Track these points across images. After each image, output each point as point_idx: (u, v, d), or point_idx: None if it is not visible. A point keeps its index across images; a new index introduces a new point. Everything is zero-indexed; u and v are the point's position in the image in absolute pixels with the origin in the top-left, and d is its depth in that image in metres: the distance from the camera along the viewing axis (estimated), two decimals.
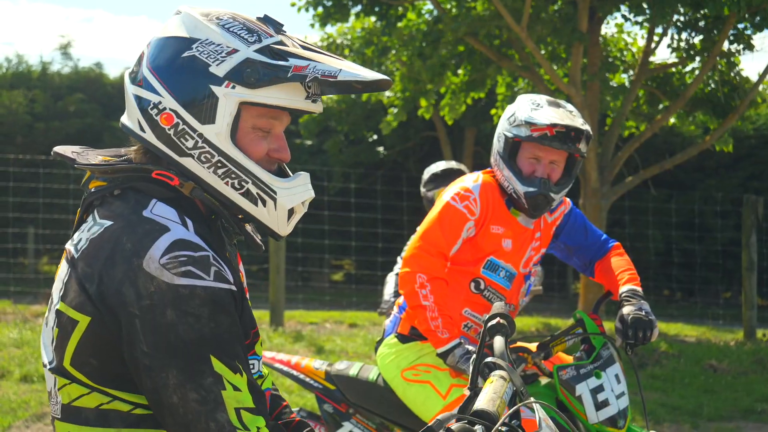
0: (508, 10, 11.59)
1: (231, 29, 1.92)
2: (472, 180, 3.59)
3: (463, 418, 2.07)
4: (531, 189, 3.49)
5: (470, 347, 3.30)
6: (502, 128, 3.58)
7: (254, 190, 1.95)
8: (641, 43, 14.18)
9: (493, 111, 14.28)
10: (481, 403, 2.14)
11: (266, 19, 1.99)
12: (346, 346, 9.21)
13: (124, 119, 1.99)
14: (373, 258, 14.45)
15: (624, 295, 3.49)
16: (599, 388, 3.41)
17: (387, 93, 14.19)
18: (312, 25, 13.54)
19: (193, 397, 1.75)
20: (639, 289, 3.52)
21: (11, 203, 13.26)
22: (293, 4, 13.55)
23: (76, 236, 1.93)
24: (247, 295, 2.03)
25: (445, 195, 3.55)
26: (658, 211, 15.81)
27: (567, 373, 3.41)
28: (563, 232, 3.76)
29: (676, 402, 7.97)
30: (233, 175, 1.93)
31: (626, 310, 3.40)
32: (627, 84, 14.13)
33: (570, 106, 3.56)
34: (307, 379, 3.83)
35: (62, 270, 1.92)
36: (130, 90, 1.95)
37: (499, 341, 2.43)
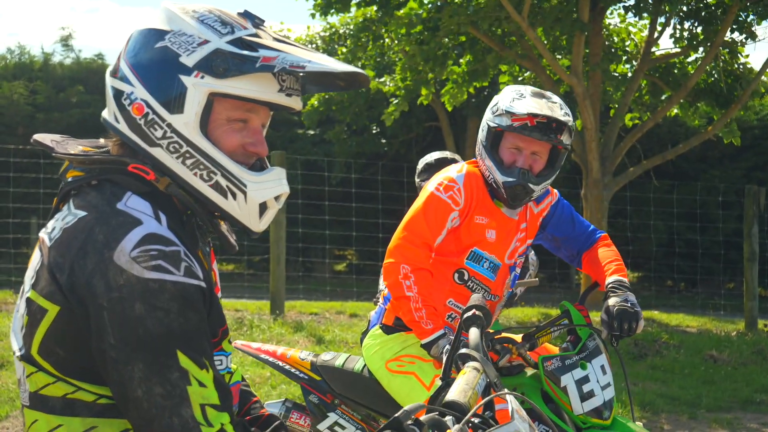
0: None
1: (205, 21, 1.92)
2: (456, 170, 3.58)
3: (433, 409, 2.06)
4: (509, 179, 3.48)
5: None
6: (486, 118, 3.57)
7: (223, 182, 1.94)
8: (644, 33, 14.11)
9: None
10: (452, 394, 2.13)
11: (246, 14, 1.98)
12: (346, 336, 9.21)
13: (104, 113, 2.00)
14: (374, 248, 14.44)
15: (610, 286, 3.48)
16: (584, 379, 3.39)
17: (388, 83, 14.17)
18: (312, 15, 13.52)
19: (158, 391, 1.74)
20: (625, 280, 3.51)
21: (12, 194, 13.28)
22: None
23: (50, 224, 1.92)
24: (219, 294, 2.03)
25: (430, 185, 3.54)
26: (660, 201, 15.76)
27: (552, 364, 3.40)
28: (550, 223, 3.74)
29: (675, 392, 7.96)
30: (201, 166, 1.92)
31: (611, 301, 3.39)
32: (629, 74, 14.07)
33: (555, 98, 3.53)
34: (293, 370, 3.82)
35: (35, 258, 1.92)
36: (108, 82, 1.96)
37: (474, 333, 2.42)
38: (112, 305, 1.74)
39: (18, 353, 1.90)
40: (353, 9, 13.92)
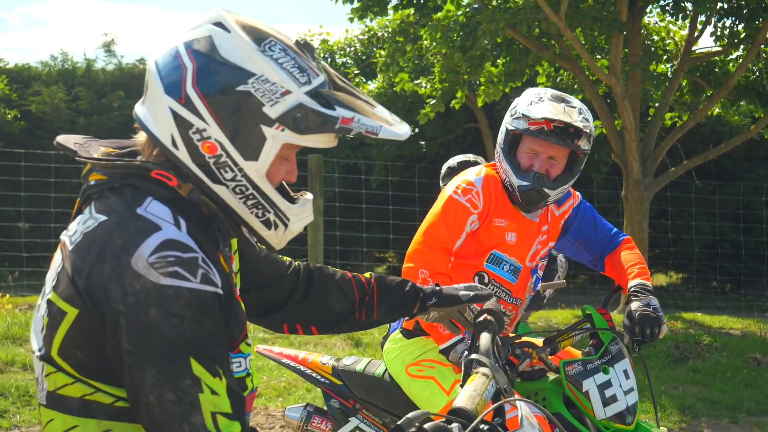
0: (546, 0, 11.48)
1: (284, 65, 1.90)
2: (474, 173, 3.56)
3: (437, 416, 2.05)
4: (524, 183, 3.45)
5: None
6: (505, 120, 3.54)
7: (273, 218, 2.01)
8: (684, 32, 13.94)
9: None
10: (460, 401, 2.12)
11: (304, 46, 1.98)
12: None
13: (147, 120, 1.94)
14: None
15: (632, 290, 3.44)
16: (607, 384, 3.35)
17: (424, 84, 14.13)
18: (351, 20, 13.53)
19: (169, 397, 1.75)
20: (648, 283, 3.47)
21: (54, 199, 13.46)
22: None
23: (71, 227, 1.94)
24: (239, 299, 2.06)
25: (448, 189, 3.52)
26: (702, 201, 15.56)
27: (574, 369, 3.36)
28: (572, 226, 3.71)
29: (717, 396, 7.84)
30: (260, 206, 1.98)
31: (634, 305, 3.35)
32: (669, 73, 13.91)
33: (576, 103, 3.49)
34: (314, 375, 3.83)
35: (56, 260, 1.94)
36: (165, 100, 1.90)
37: (485, 338, 2.40)
38: (128, 310, 1.76)
39: (38, 353, 1.92)
40: (390, 12, 13.90)
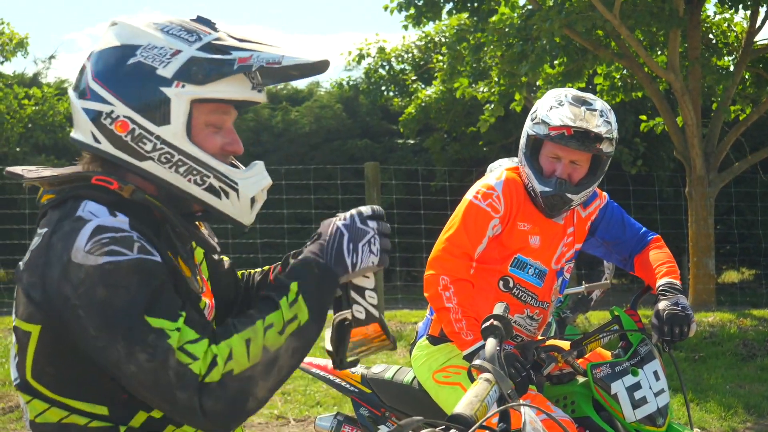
0: None
1: (170, 32, 1.96)
2: (495, 177, 3.54)
3: (435, 423, 2.05)
4: (547, 189, 3.42)
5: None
6: (526, 125, 3.52)
7: (216, 184, 1.99)
8: (744, 24, 13.66)
9: None
10: (459, 407, 2.10)
11: (200, 19, 2.03)
12: None
13: (75, 134, 2.02)
14: None
15: (661, 288, 3.39)
16: (636, 386, 3.31)
17: (482, 89, 14.10)
18: (405, 27, 13.57)
19: (143, 357, 1.78)
20: (677, 282, 3.41)
21: None
22: (386, 7, 13.62)
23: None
24: (207, 301, 2.09)
25: (468, 194, 3.51)
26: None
27: (601, 371, 3.33)
28: (600, 227, 3.67)
29: None
30: (194, 172, 1.97)
31: (662, 305, 3.30)
32: (731, 67, 13.64)
33: (597, 104, 3.42)
34: (344, 384, 3.84)
35: (16, 288, 1.98)
36: (78, 104, 1.98)
37: (490, 343, 2.39)
38: (81, 300, 1.79)
39: (15, 383, 1.97)
40: (445, 17, 13.90)
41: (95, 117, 1.95)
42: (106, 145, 1.95)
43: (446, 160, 16.93)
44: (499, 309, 2.54)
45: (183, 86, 1.93)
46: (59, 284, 1.82)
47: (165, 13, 2.08)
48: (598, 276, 5.73)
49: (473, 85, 14.56)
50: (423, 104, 16.31)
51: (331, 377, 3.87)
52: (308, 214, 15.26)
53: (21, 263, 1.96)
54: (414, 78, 18.17)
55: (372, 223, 2.03)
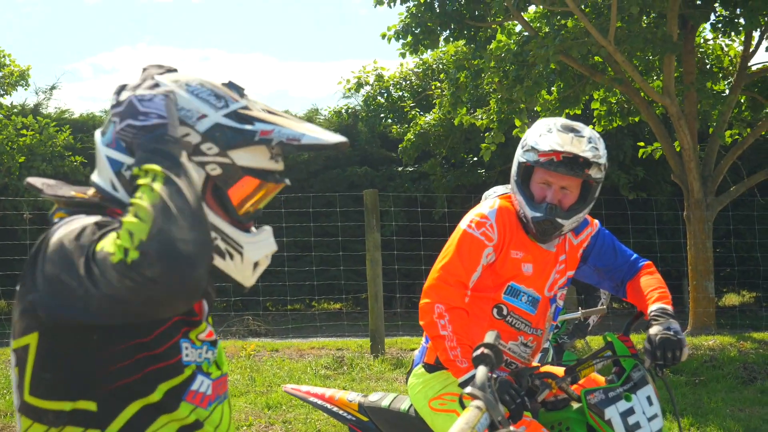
0: (594, 25, 11.47)
1: (200, 95, 2.03)
2: (488, 206, 3.60)
3: None
4: (537, 214, 3.47)
5: (490, 375, 3.29)
6: (517, 153, 3.58)
7: (222, 246, 2.06)
8: (739, 48, 13.76)
9: (590, 126, 14.06)
10: None
11: (231, 85, 2.09)
12: None
13: (96, 178, 2.06)
14: None
15: (653, 314, 3.43)
16: (629, 411, 3.34)
17: (480, 116, 14.18)
18: (402, 54, 13.67)
19: (97, 274, 1.74)
20: (668, 307, 3.46)
21: None
22: (383, 35, 13.73)
23: None
24: (213, 338, 2.12)
25: (462, 223, 3.57)
26: (767, 219, 15.23)
27: (595, 397, 3.37)
28: (591, 254, 3.72)
29: None
30: None
31: (653, 330, 3.34)
32: (726, 91, 13.74)
33: (585, 132, 3.50)
34: (341, 412, 3.87)
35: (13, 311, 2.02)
36: (103, 151, 2.03)
37: (481, 371, 2.44)
38: (62, 266, 1.79)
39: (17, 408, 2.00)
40: (442, 44, 14.00)
41: (117, 167, 2.00)
42: (122, 195, 2.00)
43: (446, 186, 16.99)
44: (490, 337, 2.59)
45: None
46: (44, 269, 1.83)
47: (199, 73, 2.13)
48: (595, 301, 5.77)
49: (472, 112, 14.64)
50: (422, 131, 16.39)
51: (329, 406, 3.90)
52: (308, 242, 15.30)
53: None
54: (412, 105, 18.29)
55: (124, 94, 1.98)
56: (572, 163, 3.41)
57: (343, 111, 18.53)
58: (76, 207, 2.04)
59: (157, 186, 1.80)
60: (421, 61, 19.22)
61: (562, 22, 12.52)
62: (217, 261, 2.06)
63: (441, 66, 17.94)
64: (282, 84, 58.18)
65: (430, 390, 3.58)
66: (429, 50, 14.16)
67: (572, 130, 3.49)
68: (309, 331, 14.02)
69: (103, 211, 2.01)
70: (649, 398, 3.39)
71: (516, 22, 13.18)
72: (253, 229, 2.13)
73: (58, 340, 1.91)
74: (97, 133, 2.07)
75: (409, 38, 13.34)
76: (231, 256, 2.06)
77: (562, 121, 3.54)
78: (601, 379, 3.59)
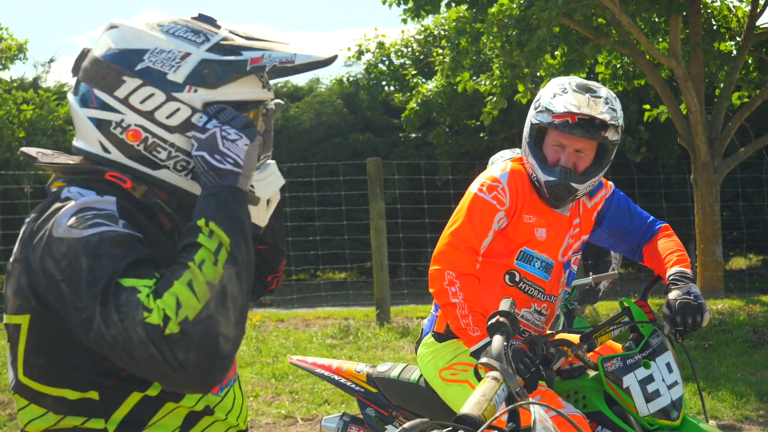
0: None
1: (176, 33, 1.91)
2: (499, 169, 3.47)
3: (441, 424, 1.98)
4: (551, 178, 3.34)
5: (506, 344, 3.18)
6: (529, 114, 3.45)
7: None
8: (746, 7, 13.54)
9: None
10: (466, 407, 2.04)
11: (202, 17, 1.98)
12: None
13: (78, 143, 1.96)
14: None
15: (671, 278, 3.31)
16: (648, 379, 3.24)
17: (484, 81, 14.00)
18: (404, 21, 13.50)
19: (116, 318, 1.70)
20: (688, 270, 3.34)
21: None
22: (384, 1, 13.55)
23: None
24: None
25: (473, 186, 3.43)
26: None
27: (612, 365, 3.26)
28: (606, 217, 3.59)
29: None
30: None
31: (673, 294, 3.22)
32: (733, 52, 13.53)
33: (602, 92, 3.35)
34: (349, 383, 3.78)
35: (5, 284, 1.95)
36: (82, 113, 1.92)
37: (497, 341, 2.32)
38: (65, 275, 1.74)
39: (12, 386, 1.92)
40: (443, 9, 13.81)
41: (103, 126, 1.90)
42: (117, 155, 1.91)
43: (449, 153, 16.83)
44: (505, 305, 2.47)
45: (195, 90, 1.88)
46: (42, 262, 1.77)
47: (164, 13, 2.03)
48: (606, 266, 5.65)
49: (474, 78, 14.47)
50: (424, 99, 16.22)
51: (336, 377, 3.81)
52: (311, 212, 15.17)
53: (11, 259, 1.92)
54: (414, 72, 18.10)
55: (212, 122, 1.89)
56: (588, 126, 3.27)
57: (345, 79, 18.32)
58: (73, 174, 1.94)
59: (221, 260, 1.75)
60: (422, 28, 19.02)
61: None
62: None
63: (443, 32, 17.71)
64: None
65: (441, 360, 3.46)
66: (430, 15, 13.98)
67: (588, 89, 3.35)
68: (314, 301, 13.98)
69: (101, 175, 1.91)
70: (668, 365, 3.28)
71: None
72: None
73: (49, 327, 1.83)
74: (70, 96, 1.96)
75: (410, 3, 13.17)
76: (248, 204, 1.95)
77: (577, 80, 3.40)
78: (618, 346, 3.48)
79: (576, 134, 3.29)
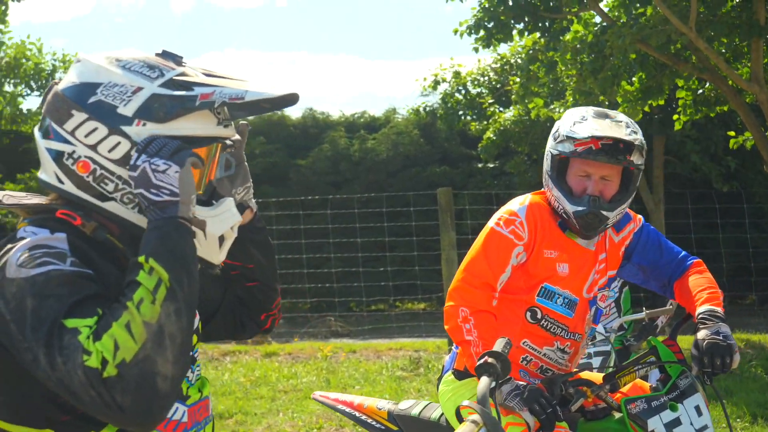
0: (674, 12, 11.03)
1: (132, 68, 1.92)
2: (518, 203, 3.37)
3: None
4: (579, 208, 3.23)
5: (520, 383, 3.06)
6: (548, 145, 3.35)
7: None
8: None
9: (675, 117, 13.58)
10: None
11: (165, 54, 1.99)
12: None
13: (41, 175, 1.99)
14: None
15: (701, 316, 3.15)
16: (675, 422, 3.08)
17: (558, 109, 13.81)
18: (476, 49, 13.41)
19: (60, 361, 1.70)
20: (718, 309, 3.17)
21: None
22: (455, 31, 13.49)
23: None
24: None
25: (490, 221, 3.34)
26: None
27: (636, 407, 3.11)
28: (635, 252, 3.45)
29: None
30: None
31: (701, 334, 3.07)
32: None
33: (621, 117, 3.28)
34: (370, 421, 3.70)
35: None
36: (42, 144, 1.95)
37: (483, 382, 2.23)
38: (13, 315, 1.75)
39: None
40: (517, 38, 13.70)
41: (57, 158, 1.92)
42: (69, 186, 1.93)
43: (527, 183, 16.62)
44: (498, 345, 2.38)
45: (144, 124, 1.88)
46: None
47: (137, 49, 2.05)
48: (663, 301, 5.44)
49: (550, 106, 14.29)
50: (501, 128, 16.07)
51: (357, 414, 3.74)
52: (382, 242, 15.12)
53: None
54: (491, 101, 17.96)
55: (141, 158, 1.86)
56: (613, 150, 3.17)
57: (421, 109, 18.29)
58: (35, 214, 1.96)
59: (159, 299, 1.74)
60: (498, 56, 18.87)
61: (641, 10, 12.06)
62: None
63: (518, 61, 17.56)
64: (368, 86, 58.05)
65: (460, 398, 3.35)
66: (502, 44, 13.87)
67: (607, 115, 3.27)
68: (389, 332, 13.90)
69: (54, 213, 1.93)
70: (697, 408, 3.12)
71: (593, 12, 12.77)
72: (213, 202, 2.02)
73: (6, 364, 1.83)
74: (35, 130, 1.99)
75: (482, 33, 13.08)
76: (193, 235, 1.92)
77: (593, 108, 3.34)
78: (647, 386, 3.32)
79: (601, 160, 3.19)
